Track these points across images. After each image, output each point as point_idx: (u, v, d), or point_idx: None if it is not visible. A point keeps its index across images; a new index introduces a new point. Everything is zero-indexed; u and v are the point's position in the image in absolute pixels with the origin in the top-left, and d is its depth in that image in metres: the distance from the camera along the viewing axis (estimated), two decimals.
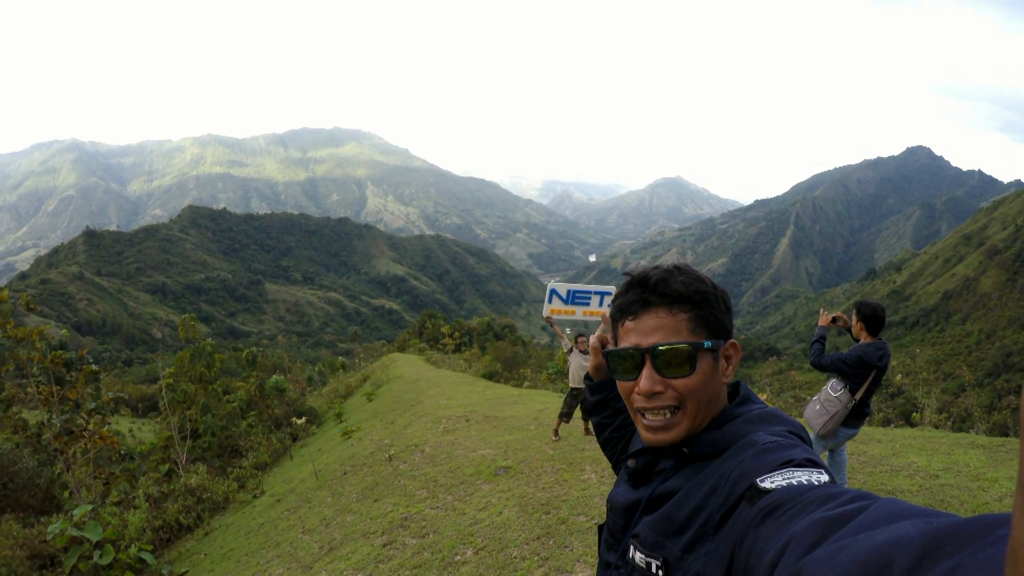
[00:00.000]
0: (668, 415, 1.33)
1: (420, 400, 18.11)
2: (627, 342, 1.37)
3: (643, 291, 1.37)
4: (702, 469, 1.25)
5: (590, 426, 10.88)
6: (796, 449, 1.14)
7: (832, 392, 5.60)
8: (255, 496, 13.26)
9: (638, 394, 1.35)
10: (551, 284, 10.31)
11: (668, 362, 1.31)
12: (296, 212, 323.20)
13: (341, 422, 18.86)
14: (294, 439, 19.78)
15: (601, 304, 10.88)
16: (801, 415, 5.93)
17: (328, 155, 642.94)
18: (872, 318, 5.58)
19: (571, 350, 10.44)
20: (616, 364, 1.39)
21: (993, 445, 7.94)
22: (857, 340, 5.70)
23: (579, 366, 10.40)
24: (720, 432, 1.29)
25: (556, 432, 10.59)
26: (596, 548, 5.76)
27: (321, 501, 9.75)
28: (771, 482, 1.03)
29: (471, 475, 8.65)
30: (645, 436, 1.37)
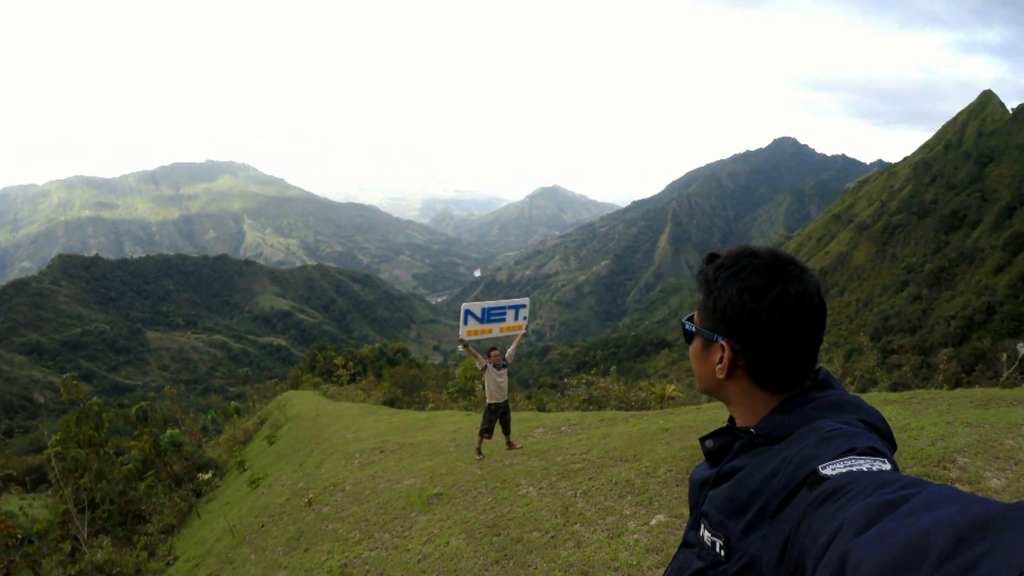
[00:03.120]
0: None
1: (325, 436, 17.57)
2: None
3: (696, 273, 1.51)
4: (767, 451, 1.27)
5: (511, 439, 10.84)
6: (859, 437, 1.14)
7: None
8: (168, 563, 12.46)
9: None
10: (464, 305, 10.15)
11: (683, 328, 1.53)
12: (172, 253, 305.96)
13: (245, 470, 18.03)
14: (198, 495, 18.70)
15: (517, 318, 10.80)
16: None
17: (202, 190, 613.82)
18: None
19: (485, 367, 10.29)
20: None
21: (904, 399, 8.51)
22: None
23: (494, 381, 10.27)
24: (788, 416, 1.30)
25: (479, 451, 10.43)
26: (560, 562, 5.70)
27: (244, 559, 9.20)
28: (832, 469, 1.04)
29: (403, 508, 8.35)
30: None
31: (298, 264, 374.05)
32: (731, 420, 1.48)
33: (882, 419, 1.28)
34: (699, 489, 1.46)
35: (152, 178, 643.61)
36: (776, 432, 1.29)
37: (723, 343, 1.38)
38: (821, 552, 0.89)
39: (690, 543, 1.44)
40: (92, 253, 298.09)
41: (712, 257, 1.48)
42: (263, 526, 10.33)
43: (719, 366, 1.39)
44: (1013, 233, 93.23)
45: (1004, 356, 11.33)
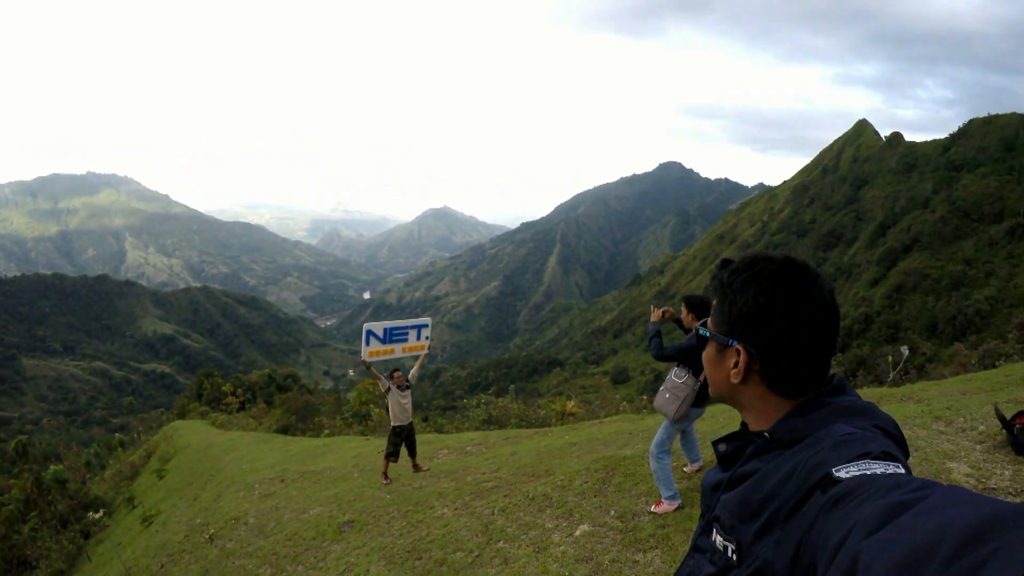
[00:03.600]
0: None
1: (220, 468, 16.84)
2: None
3: (711, 278, 1.53)
4: (781, 455, 1.27)
5: (418, 462, 10.70)
6: (874, 442, 1.14)
7: (677, 379, 5.95)
8: None
9: None
10: (366, 325, 9.95)
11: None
12: (50, 272, 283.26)
13: (135, 507, 16.99)
14: (87, 536, 17.44)
15: (419, 338, 10.68)
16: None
17: (82, 204, 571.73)
18: (701, 306, 6.05)
19: (388, 388, 10.13)
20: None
21: None
22: (688, 331, 6.11)
23: (398, 403, 10.13)
24: (802, 420, 1.30)
25: (386, 475, 10.24)
26: None
27: None
28: (846, 472, 1.05)
29: (314, 538, 8.06)
30: None
31: (182, 286, 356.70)
32: (743, 425, 1.48)
33: (896, 425, 1.28)
34: (711, 493, 1.46)
35: (29, 190, 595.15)
36: (790, 436, 1.29)
37: (738, 347, 1.38)
38: (833, 553, 0.90)
39: (701, 548, 1.45)
40: None
41: (726, 262, 1.48)
42: (163, 567, 9.69)
43: (734, 371, 1.40)
44: (886, 249, 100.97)
45: (890, 359, 12.17)
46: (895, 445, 1.20)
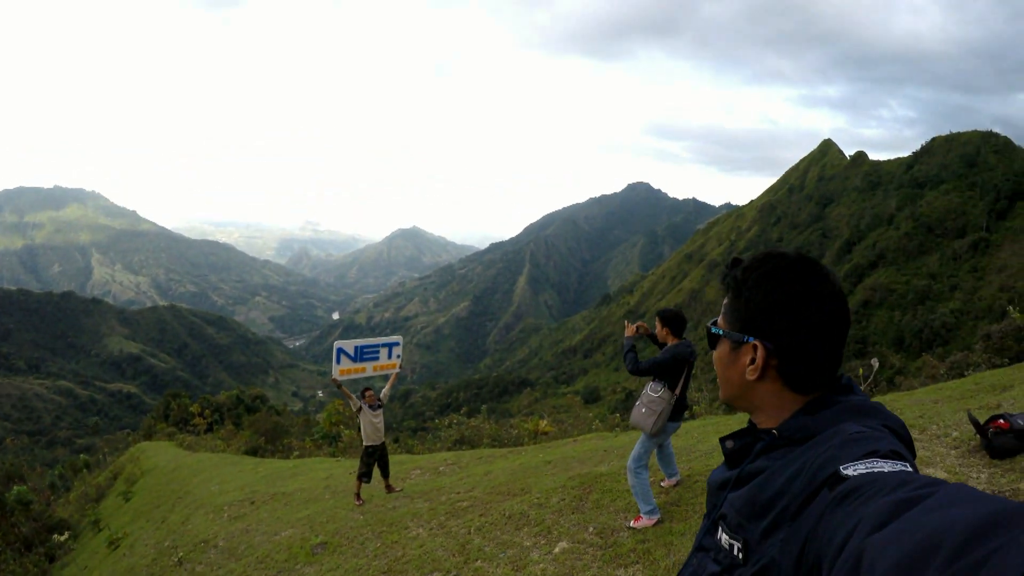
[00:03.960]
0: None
1: (188, 490, 16.49)
2: None
3: (721, 277, 1.53)
4: (789, 453, 1.27)
5: (390, 482, 10.54)
6: (883, 441, 1.15)
7: (653, 393, 5.96)
8: None
9: None
10: (337, 343, 9.84)
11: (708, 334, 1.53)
12: (14, 288, 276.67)
13: (101, 530, 16.53)
14: (51, 560, 16.95)
15: (391, 356, 10.58)
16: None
17: (48, 219, 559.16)
18: (674, 320, 6.12)
19: (360, 408, 10.00)
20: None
21: None
22: (663, 345, 6.12)
23: (370, 423, 10.00)
24: (811, 419, 1.30)
25: (358, 496, 10.08)
26: None
27: None
28: (853, 470, 1.05)
29: (286, 560, 7.87)
30: None
31: (149, 304, 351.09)
32: (751, 423, 1.48)
33: (903, 426, 1.28)
34: (718, 491, 1.46)
35: None
36: (799, 434, 1.29)
37: (756, 343, 1.38)
38: (837, 551, 0.90)
39: (705, 547, 1.44)
40: None
41: (737, 261, 1.50)
42: None
43: (751, 367, 1.39)
44: (853, 266, 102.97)
45: (860, 371, 12.31)
46: (904, 446, 1.20)
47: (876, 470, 1.03)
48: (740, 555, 1.26)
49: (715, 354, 1.51)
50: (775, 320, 1.36)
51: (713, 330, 1.51)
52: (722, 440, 1.49)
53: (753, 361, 1.39)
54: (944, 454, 5.68)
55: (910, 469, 1.05)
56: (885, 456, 1.08)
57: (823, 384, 1.37)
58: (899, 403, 8.11)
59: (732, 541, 1.29)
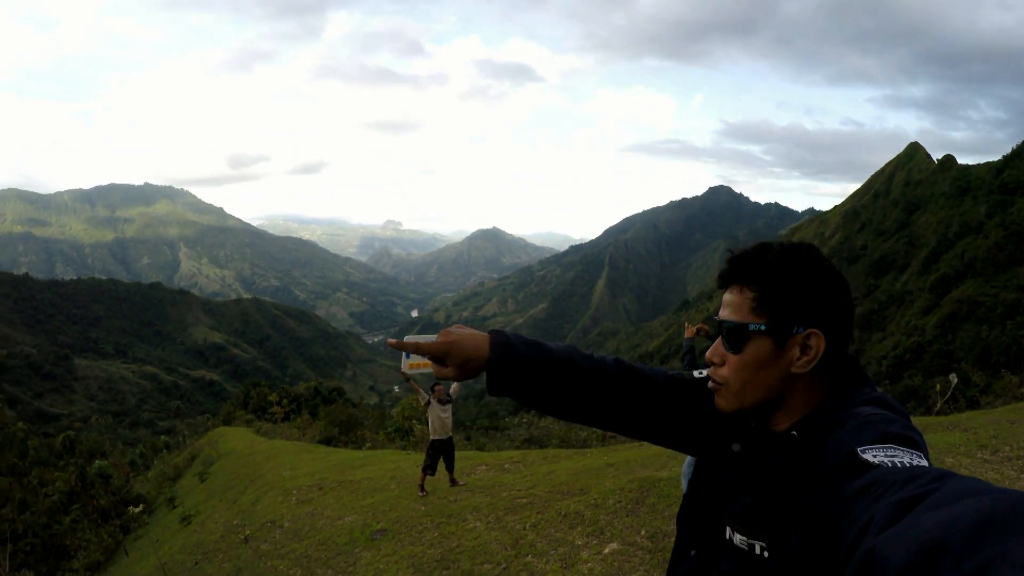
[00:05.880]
0: (715, 384, 1.39)
1: (261, 473, 17.03)
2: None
3: (728, 267, 1.39)
4: (808, 442, 1.24)
5: (455, 476, 10.71)
6: (895, 423, 1.13)
7: None
8: None
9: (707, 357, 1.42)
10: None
11: (727, 337, 1.35)
12: (105, 278, 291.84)
13: (175, 507, 17.30)
14: (126, 532, 17.79)
15: None
16: None
17: (138, 214, 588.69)
18: None
19: (428, 402, 10.18)
20: (712, 327, 1.58)
21: None
22: None
23: (438, 417, 10.16)
24: (830, 409, 1.28)
25: (422, 487, 10.24)
26: None
27: None
28: (872, 455, 1.03)
29: (346, 544, 8.12)
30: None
31: (233, 297, 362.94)
32: (758, 422, 1.41)
33: (907, 414, 1.26)
34: (725, 493, 1.42)
35: (88, 197, 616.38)
36: (819, 425, 1.26)
37: (813, 332, 1.28)
38: (852, 548, 0.89)
39: (718, 545, 1.42)
40: (22, 271, 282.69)
41: (745, 253, 1.38)
42: (197, 563, 9.90)
43: (804, 359, 1.30)
44: (940, 276, 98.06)
45: (937, 387, 11.86)
46: (913, 426, 1.16)
47: (891, 462, 1.01)
48: (757, 551, 1.25)
49: (740, 358, 1.35)
50: (828, 307, 1.30)
51: (751, 327, 1.32)
52: (728, 443, 1.45)
53: (806, 352, 1.29)
54: (1015, 478, 5.46)
55: (923, 459, 1.03)
56: (898, 440, 1.07)
57: (843, 374, 1.35)
58: (975, 421, 7.80)
59: (752, 542, 1.28)
